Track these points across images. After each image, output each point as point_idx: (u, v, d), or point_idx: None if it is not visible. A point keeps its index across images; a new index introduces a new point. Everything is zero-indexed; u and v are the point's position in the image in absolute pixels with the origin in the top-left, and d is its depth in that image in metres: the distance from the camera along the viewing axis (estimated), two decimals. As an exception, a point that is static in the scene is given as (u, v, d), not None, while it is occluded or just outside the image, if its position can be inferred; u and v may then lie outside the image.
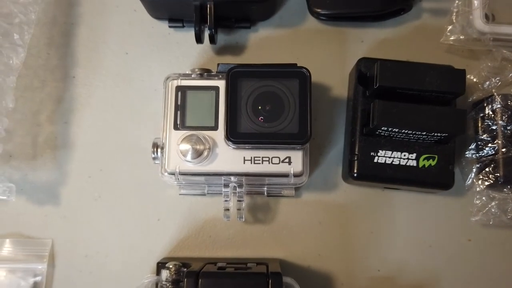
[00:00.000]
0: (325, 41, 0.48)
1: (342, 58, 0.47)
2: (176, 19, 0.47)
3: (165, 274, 0.38)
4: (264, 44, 0.48)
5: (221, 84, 0.41)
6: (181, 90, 0.41)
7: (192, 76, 0.41)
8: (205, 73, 0.41)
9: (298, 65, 0.40)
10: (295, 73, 0.39)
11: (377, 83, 0.38)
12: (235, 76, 0.39)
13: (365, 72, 0.42)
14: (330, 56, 0.48)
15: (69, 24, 0.49)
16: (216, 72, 0.42)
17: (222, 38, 0.48)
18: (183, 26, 0.47)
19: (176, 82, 0.41)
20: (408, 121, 0.37)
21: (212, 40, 0.45)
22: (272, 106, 0.39)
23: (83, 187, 0.45)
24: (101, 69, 0.48)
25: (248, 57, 0.48)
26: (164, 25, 0.48)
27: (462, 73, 0.38)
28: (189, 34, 0.48)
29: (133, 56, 0.48)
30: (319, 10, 0.45)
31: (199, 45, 0.46)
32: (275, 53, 0.48)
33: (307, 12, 0.48)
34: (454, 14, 0.45)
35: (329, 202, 0.45)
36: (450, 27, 0.45)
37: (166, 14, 0.47)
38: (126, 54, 0.48)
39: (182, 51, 0.48)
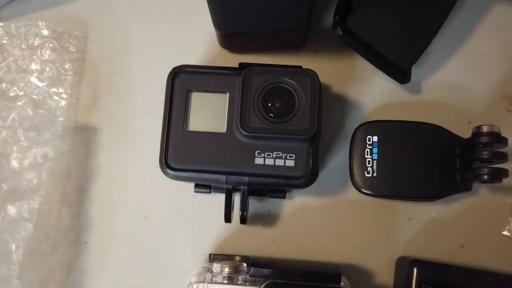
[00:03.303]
0: (368, 216, 0.43)
1: (387, 237, 0.42)
2: (203, 185, 0.42)
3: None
4: (300, 214, 0.43)
5: (253, 292, 0.36)
6: (208, 299, 0.36)
7: (218, 280, 0.36)
8: (234, 276, 0.36)
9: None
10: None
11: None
12: None
13: (419, 281, 0.37)
14: (374, 233, 0.42)
15: (84, 178, 0.44)
16: (248, 275, 0.37)
17: (253, 204, 0.43)
18: (210, 192, 0.42)
19: (202, 287, 0.36)
20: None
21: (243, 221, 0.40)
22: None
23: None
24: (117, 234, 0.43)
25: (281, 228, 0.43)
26: (188, 187, 0.43)
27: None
28: (216, 198, 0.43)
29: (153, 221, 0.43)
30: (366, 191, 0.40)
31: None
32: (311, 224, 0.43)
33: (348, 182, 0.42)
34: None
35: None
36: (514, 221, 0.40)
37: (192, 182, 0.42)
38: (145, 218, 0.43)
39: (207, 217, 0.43)
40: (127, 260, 0.42)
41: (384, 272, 0.41)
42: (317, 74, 0.38)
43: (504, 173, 0.36)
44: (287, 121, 0.37)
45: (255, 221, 0.43)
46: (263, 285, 0.35)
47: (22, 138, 0.39)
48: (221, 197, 0.41)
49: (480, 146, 0.37)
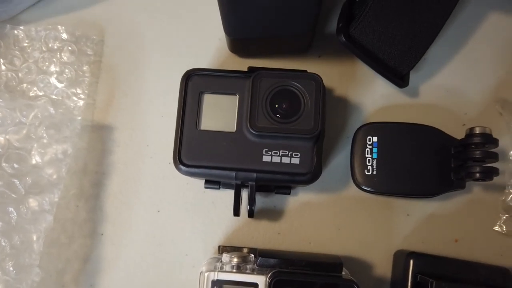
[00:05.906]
0: (368, 211, 0.45)
1: (386, 232, 0.45)
2: (213, 181, 0.45)
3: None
4: (304, 209, 0.46)
5: (260, 280, 0.38)
6: (217, 286, 0.38)
7: (228, 269, 0.39)
8: (242, 265, 0.39)
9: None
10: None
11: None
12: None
13: (415, 272, 0.39)
14: (373, 228, 0.45)
15: (100, 174, 0.46)
16: (255, 265, 0.39)
17: (259, 200, 0.46)
18: (219, 188, 0.45)
19: (212, 275, 0.38)
20: None
21: (251, 214, 0.42)
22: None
23: None
24: (131, 227, 0.46)
25: (286, 222, 0.45)
26: (198, 183, 0.46)
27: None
28: (224, 194, 0.46)
29: (165, 214, 0.46)
30: (366, 188, 0.43)
31: (235, 206, 0.44)
32: (314, 219, 0.45)
33: (349, 180, 0.45)
34: (510, 198, 0.43)
35: None
36: (504, 217, 0.42)
37: (202, 179, 0.45)
38: (158, 212, 0.46)
39: (217, 212, 0.46)
40: (141, 252, 0.45)
41: (383, 265, 0.44)
42: (321, 78, 0.40)
43: (495, 171, 0.38)
44: (293, 121, 0.40)
45: (261, 215, 0.46)
46: (270, 274, 0.37)
47: (45, 135, 0.42)
48: (230, 193, 0.44)
49: (473, 146, 0.39)
